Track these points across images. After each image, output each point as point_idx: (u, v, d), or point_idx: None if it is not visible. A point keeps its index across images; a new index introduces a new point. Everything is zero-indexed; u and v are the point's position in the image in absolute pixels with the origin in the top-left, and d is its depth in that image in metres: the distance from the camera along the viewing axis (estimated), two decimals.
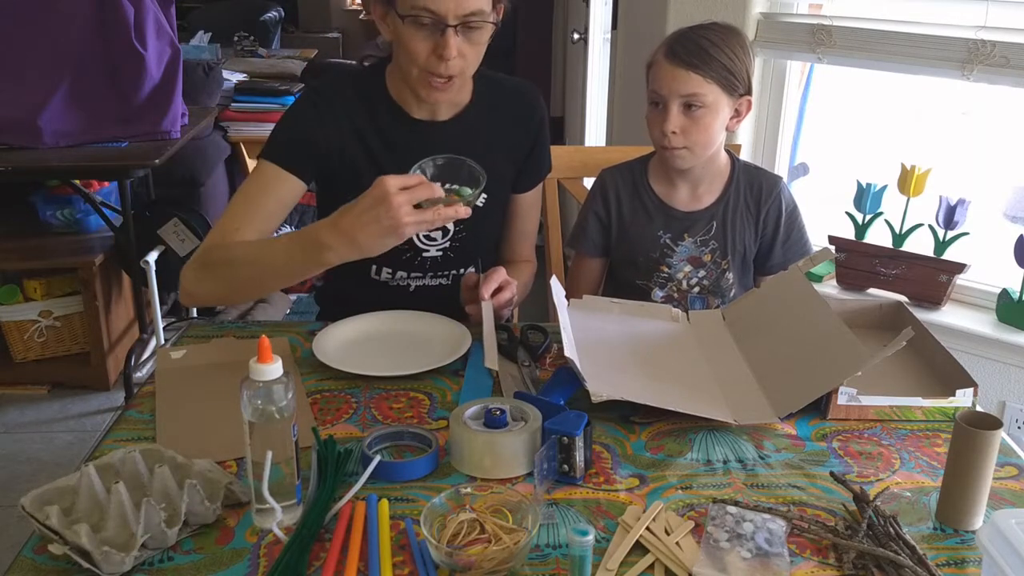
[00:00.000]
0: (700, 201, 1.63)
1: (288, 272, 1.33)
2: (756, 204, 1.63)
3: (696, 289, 1.65)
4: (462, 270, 1.59)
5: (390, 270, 1.57)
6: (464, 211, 1.24)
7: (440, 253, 1.56)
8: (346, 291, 1.62)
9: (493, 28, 1.40)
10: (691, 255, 1.63)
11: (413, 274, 1.58)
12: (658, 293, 1.65)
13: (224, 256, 1.39)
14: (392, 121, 1.50)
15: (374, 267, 1.57)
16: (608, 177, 1.69)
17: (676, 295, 1.65)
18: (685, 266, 1.64)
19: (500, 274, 1.43)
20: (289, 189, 1.45)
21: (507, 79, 1.61)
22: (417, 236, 1.53)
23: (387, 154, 1.50)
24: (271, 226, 1.45)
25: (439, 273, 1.59)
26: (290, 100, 3.61)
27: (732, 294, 1.65)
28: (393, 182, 1.19)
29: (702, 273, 1.64)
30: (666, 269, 1.64)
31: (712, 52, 1.49)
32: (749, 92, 1.55)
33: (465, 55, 1.37)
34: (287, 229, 3.67)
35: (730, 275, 1.65)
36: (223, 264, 1.39)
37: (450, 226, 1.54)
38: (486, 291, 1.39)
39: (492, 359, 1.28)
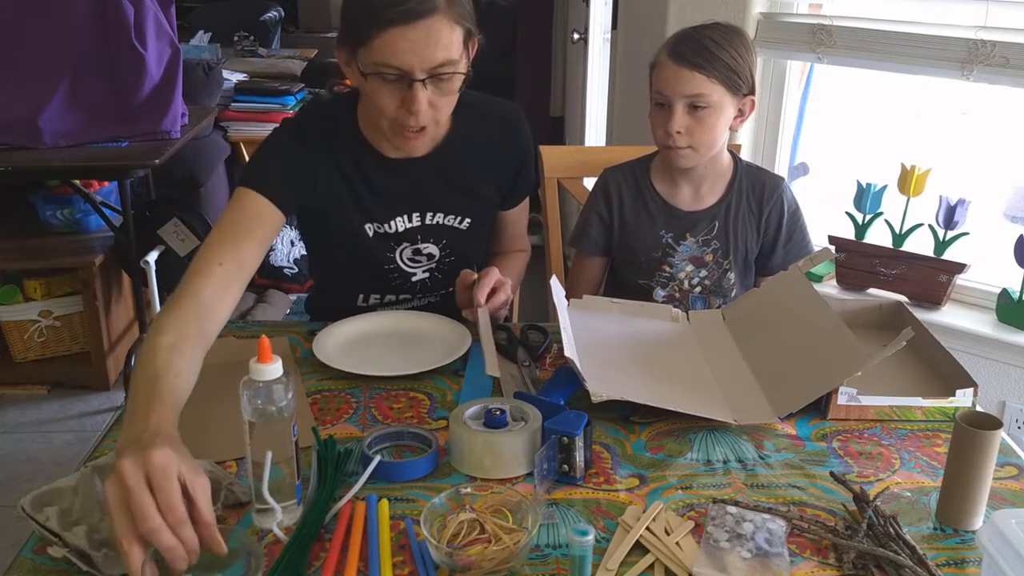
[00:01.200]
0: (702, 201, 1.63)
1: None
2: (758, 204, 1.63)
3: (698, 289, 1.65)
4: (450, 290, 1.57)
5: (378, 296, 1.56)
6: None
7: (427, 275, 1.56)
8: (334, 311, 1.53)
9: (465, 75, 1.33)
10: (693, 255, 1.63)
11: (402, 296, 1.57)
12: (660, 293, 1.65)
13: (146, 343, 1.17)
14: (368, 161, 1.45)
15: (361, 296, 1.56)
16: (610, 177, 1.69)
17: (678, 295, 1.65)
18: (687, 266, 1.64)
19: (493, 275, 1.39)
20: (268, 218, 1.38)
21: (490, 104, 1.55)
22: (401, 259, 1.52)
23: (369, 194, 1.46)
24: (253, 254, 1.34)
25: (428, 294, 1.59)
26: (290, 100, 3.61)
27: (734, 294, 1.65)
28: (142, 472, 0.86)
29: (704, 273, 1.64)
30: (668, 269, 1.64)
31: (716, 52, 1.49)
32: (752, 91, 1.55)
33: (436, 105, 1.31)
34: (289, 231, 3.67)
35: (732, 275, 1.65)
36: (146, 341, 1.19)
37: (436, 251, 1.53)
38: (481, 296, 1.36)
39: (493, 365, 1.26)
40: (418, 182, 1.47)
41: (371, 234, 1.49)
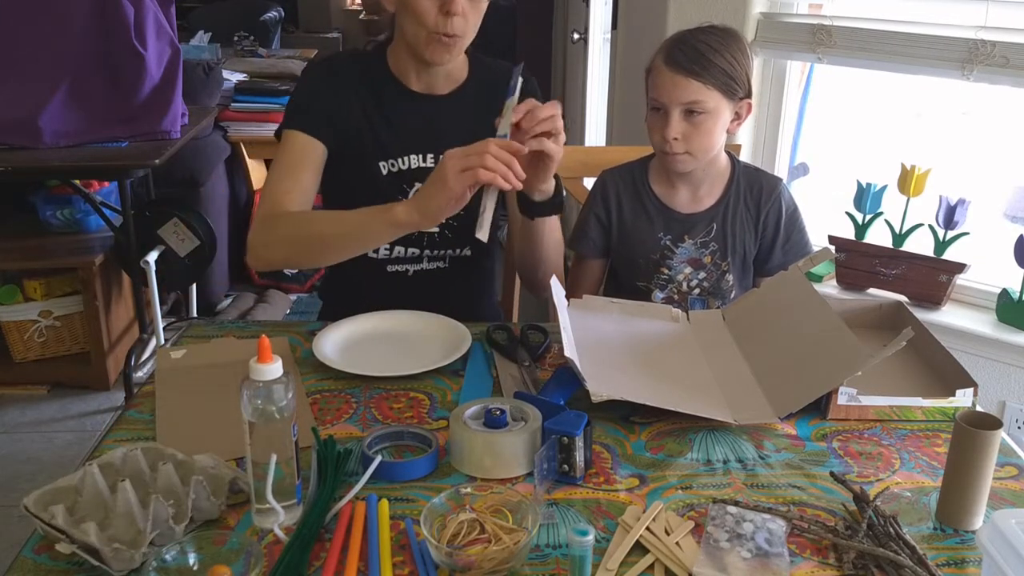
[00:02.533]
0: (700, 203, 1.63)
1: (357, 229, 1.40)
2: (756, 206, 1.63)
3: (696, 291, 1.65)
4: (459, 251, 1.61)
5: (387, 249, 1.58)
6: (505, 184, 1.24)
7: (437, 229, 1.57)
8: (346, 279, 1.63)
9: None
10: (691, 257, 1.63)
11: (411, 250, 1.59)
12: (658, 295, 1.65)
13: (291, 219, 1.46)
14: (392, 95, 1.55)
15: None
16: (608, 178, 1.69)
17: (676, 297, 1.65)
18: (685, 268, 1.64)
19: (552, 108, 1.31)
20: (319, 155, 1.51)
21: (501, 63, 1.64)
22: None
23: (386, 128, 1.54)
24: (310, 182, 1.51)
25: (436, 253, 1.60)
26: None
27: (732, 296, 1.65)
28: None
29: (702, 275, 1.64)
30: (666, 271, 1.64)
31: (712, 58, 1.48)
32: (749, 95, 1.55)
33: (467, 16, 1.43)
34: None
35: (730, 277, 1.65)
36: (293, 224, 1.46)
37: None
38: (515, 116, 1.29)
39: (484, 231, 1.28)
40: (435, 120, 1.55)
41: (385, 173, 1.55)
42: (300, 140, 1.50)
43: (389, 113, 1.55)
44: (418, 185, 1.55)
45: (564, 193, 1.45)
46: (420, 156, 1.55)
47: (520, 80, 1.33)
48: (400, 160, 1.55)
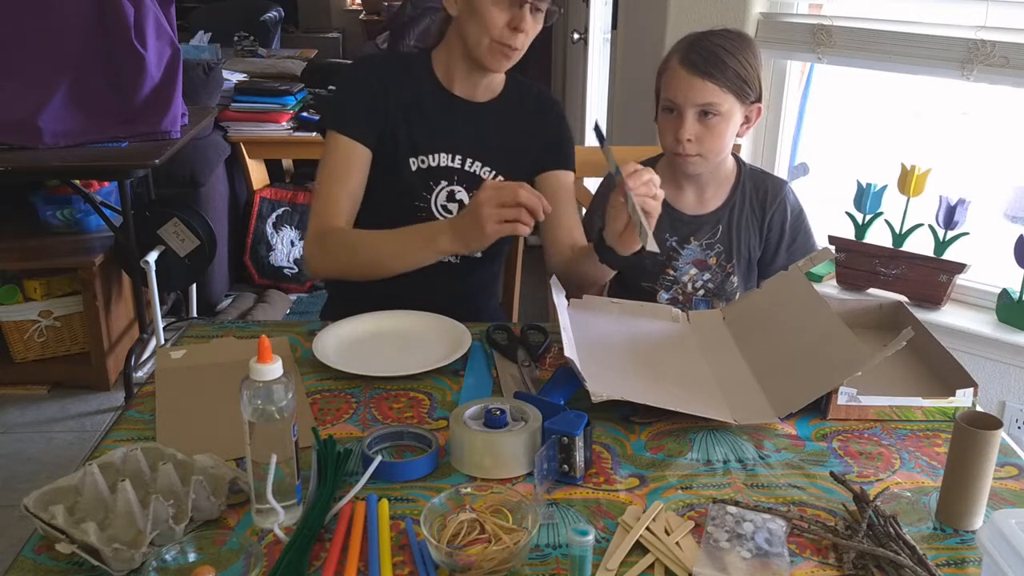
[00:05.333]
0: (706, 205, 1.64)
1: (405, 258, 1.46)
2: (761, 208, 1.63)
3: (701, 292, 1.65)
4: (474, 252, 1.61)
5: None
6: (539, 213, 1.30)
7: None
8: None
9: (555, 15, 1.53)
10: (696, 258, 1.63)
11: None
12: (664, 296, 1.66)
13: (344, 241, 1.52)
14: (432, 96, 1.59)
15: None
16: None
17: (681, 298, 1.65)
18: (691, 269, 1.64)
19: (651, 172, 1.33)
20: (363, 158, 1.55)
21: (535, 84, 1.70)
22: (436, 204, 1.60)
23: (420, 125, 1.57)
24: (357, 184, 1.56)
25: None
26: (290, 100, 3.61)
27: (736, 297, 1.65)
28: (488, 184, 1.32)
29: (707, 276, 1.64)
30: (672, 272, 1.64)
31: (727, 61, 1.49)
32: (759, 99, 1.55)
33: (529, 33, 1.49)
34: (290, 231, 3.66)
35: (735, 278, 1.65)
36: (345, 248, 1.52)
37: (467, 200, 1.58)
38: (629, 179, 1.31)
39: (652, 241, 1.27)
40: (468, 124, 1.59)
41: (413, 169, 1.58)
42: (344, 144, 1.54)
43: (425, 110, 1.58)
44: (443, 184, 1.59)
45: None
46: (449, 155, 1.59)
47: (599, 132, 1.40)
48: (429, 157, 1.58)
